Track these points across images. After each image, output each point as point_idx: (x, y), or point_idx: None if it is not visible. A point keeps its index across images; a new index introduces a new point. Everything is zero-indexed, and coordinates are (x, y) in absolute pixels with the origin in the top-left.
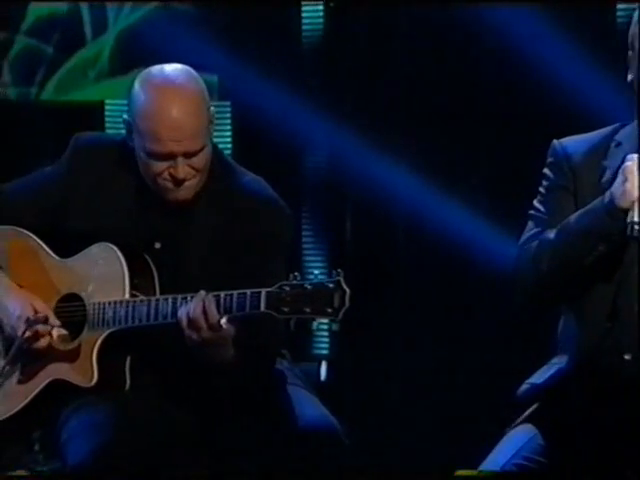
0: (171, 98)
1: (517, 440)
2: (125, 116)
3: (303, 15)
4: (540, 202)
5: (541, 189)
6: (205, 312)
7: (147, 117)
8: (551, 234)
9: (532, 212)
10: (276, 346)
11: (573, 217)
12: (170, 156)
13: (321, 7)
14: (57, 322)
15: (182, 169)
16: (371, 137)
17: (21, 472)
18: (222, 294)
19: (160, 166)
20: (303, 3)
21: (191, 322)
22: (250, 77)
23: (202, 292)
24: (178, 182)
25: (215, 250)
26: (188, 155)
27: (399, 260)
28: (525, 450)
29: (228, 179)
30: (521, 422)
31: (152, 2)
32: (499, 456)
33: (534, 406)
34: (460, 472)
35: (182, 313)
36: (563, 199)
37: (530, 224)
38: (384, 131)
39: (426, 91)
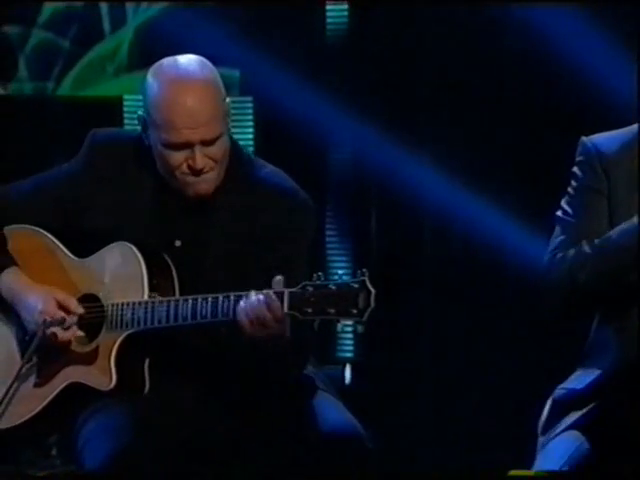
0: (184, 87)
1: (565, 448)
2: (140, 112)
3: (327, 9)
4: (569, 204)
5: (570, 190)
6: (269, 307)
7: (161, 107)
8: (588, 247)
9: (560, 215)
10: (307, 348)
11: (615, 233)
12: (187, 145)
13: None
14: (80, 309)
15: (200, 159)
16: (396, 133)
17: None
18: (244, 295)
19: (178, 158)
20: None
21: (258, 318)
22: (273, 72)
23: (253, 293)
24: (197, 172)
25: (236, 247)
26: (205, 143)
27: (426, 259)
28: (574, 458)
29: (247, 172)
30: (565, 429)
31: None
32: (548, 464)
33: (579, 412)
34: (514, 472)
35: (242, 310)
36: (595, 202)
37: (558, 229)
38: (410, 127)
39: (453, 86)
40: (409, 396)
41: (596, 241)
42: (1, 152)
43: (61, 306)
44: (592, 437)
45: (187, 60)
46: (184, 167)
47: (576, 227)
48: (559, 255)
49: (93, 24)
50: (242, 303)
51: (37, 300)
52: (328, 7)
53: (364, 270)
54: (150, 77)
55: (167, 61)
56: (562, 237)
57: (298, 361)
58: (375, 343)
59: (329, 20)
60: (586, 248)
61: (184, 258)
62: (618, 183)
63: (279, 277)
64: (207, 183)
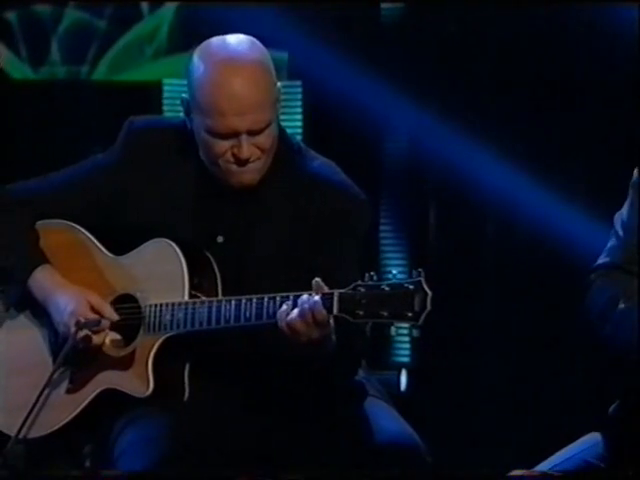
0: (233, 69)
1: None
2: (184, 95)
3: None
4: (628, 206)
5: (631, 189)
6: (313, 310)
7: (207, 90)
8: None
9: (617, 217)
10: (359, 353)
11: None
12: (233, 134)
13: None
14: (115, 316)
15: (247, 148)
16: (456, 120)
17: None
18: (291, 296)
19: (223, 146)
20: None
21: (300, 322)
22: (323, 54)
23: (305, 295)
24: (242, 162)
25: (283, 245)
26: (252, 132)
27: (487, 258)
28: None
29: (296, 163)
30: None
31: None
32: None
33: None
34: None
35: (283, 313)
36: None
37: (612, 232)
38: (471, 113)
39: (517, 71)
40: (469, 403)
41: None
42: (32, 142)
43: (94, 310)
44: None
45: (237, 40)
46: (229, 155)
47: (626, 235)
48: (602, 276)
49: (131, 3)
50: (284, 305)
51: (69, 301)
52: None
53: (420, 270)
54: (196, 57)
55: (215, 40)
56: (610, 244)
57: (348, 366)
58: (433, 347)
59: None
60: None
61: (226, 255)
62: None
63: (317, 279)
64: (252, 173)
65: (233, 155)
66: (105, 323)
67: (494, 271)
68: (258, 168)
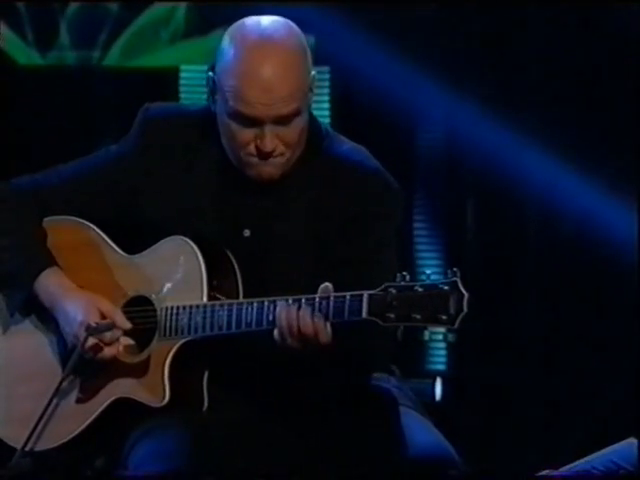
0: (265, 55)
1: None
2: (210, 73)
3: None
4: None
5: None
6: (313, 319)
7: (234, 75)
8: None
9: None
10: (382, 359)
11: None
12: (257, 121)
13: None
14: (128, 324)
15: (270, 140)
16: (496, 110)
17: None
18: (317, 298)
19: (245, 134)
20: None
21: (301, 329)
22: (352, 38)
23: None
24: (264, 155)
25: (313, 236)
26: (278, 121)
27: (528, 257)
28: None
29: (324, 148)
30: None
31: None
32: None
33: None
34: None
35: (283, 318)
36: None
37: None
38: (511, 104)
39: (559, 62)
40: (507, 414)
41: None
42: (39, 132)
43: (105, 318)
44: None
45: (272, 23)
46: (251, 147)
47: None
48: None
49: None
50: (282, 306)
51: (78, 309)
52: None
53: (456, 270)
54: (227, 38)
55: (249, 22)
56: None
57: (364, 371)
58: (469, 354)
59: None
60: None
61: (254, 250)
62: None
63: (327, 284)
64: (273, 168)
65: (256, 147)
66: (116, 333)
67: (535, 271)
68: (281, 163)
